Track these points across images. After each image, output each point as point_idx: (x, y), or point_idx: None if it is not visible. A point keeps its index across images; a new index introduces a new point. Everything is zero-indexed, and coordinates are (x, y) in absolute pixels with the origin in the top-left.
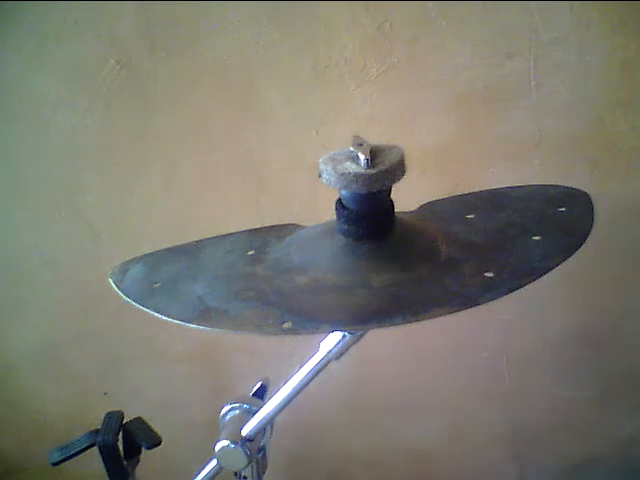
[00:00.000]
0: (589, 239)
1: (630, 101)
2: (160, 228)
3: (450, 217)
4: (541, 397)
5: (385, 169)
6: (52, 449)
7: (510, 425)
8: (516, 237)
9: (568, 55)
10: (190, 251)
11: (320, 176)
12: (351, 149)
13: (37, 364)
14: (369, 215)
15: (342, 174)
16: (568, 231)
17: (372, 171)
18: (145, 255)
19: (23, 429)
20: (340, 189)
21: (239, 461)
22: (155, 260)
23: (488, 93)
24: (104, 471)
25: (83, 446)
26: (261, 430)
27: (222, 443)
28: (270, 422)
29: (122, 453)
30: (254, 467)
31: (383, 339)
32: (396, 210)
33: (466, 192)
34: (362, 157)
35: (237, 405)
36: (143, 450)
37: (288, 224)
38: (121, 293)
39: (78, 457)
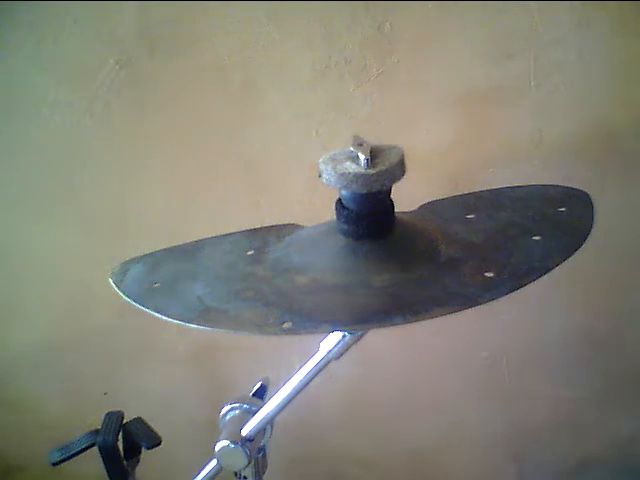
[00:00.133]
0: (589, 239)
1: (630, 101)
2: (160, 228)
3: (450, 217)
4: (541, 397)
5: (385, 169)
6: (52, 449)
7: (510, 425)
8: (516, 237)
9: (568, 55)
10: (190, 251)
11: (320, 176)
12: (351, 149)
13: (37, 364)
14: (369, 215)
15: (342, 174)
16: (568, 231)
17: (372, 171)
18: (145, 255)
19: (23, 429)
20: (340, 189)
21: (239, 461)
22: (155, 260)
23: (488, 93)
24: (104, 471)
25: (83, 446)
26: (261, 430)
27: (222, 443)
28: (270, 422)
29: (122, 453)
30: (254, 467)
31: (383, 339)
32: (396, 210)
33: (466, 192)
34: (362, 157)
35: (237, 405)
36: (143, 450)
37: (288, 224)
38: (121, 293)
39: (78, 457)
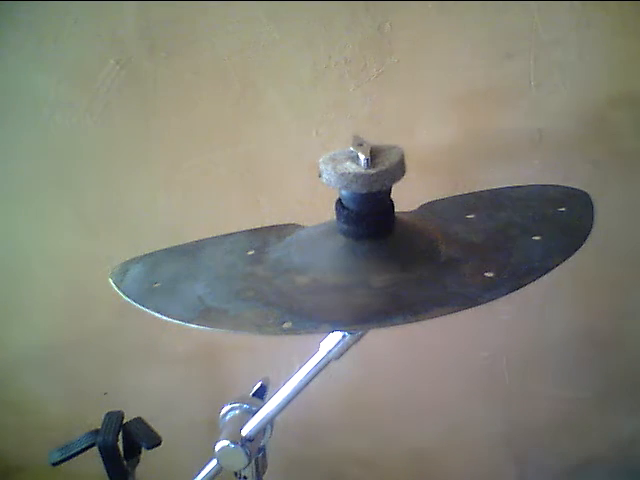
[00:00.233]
0: (589, 239)
1: (630, 101)
2: (160, 228)
3: (450, 217)
4: (541, 397)
5: (385, 169)
6: (52, 449)
7: (510, 425)
8: (516, 237)
9: (568, 55)
10: (190, 251)
11: (320, 176)
12: (351, 149)
13: (37, 364)
14: (369, 215)
15: (342, 174)
16: (568, 231)
17: (372, 171)
18: (145, 255)
19: (23, 429)
20: (340, 189)
21: (239, 461)
22: (155, 260)
23: (488, 93)
24: (104, 471)
25: (83, 446)
26: (261, 430)
27: (222, 443)
28: (270, 422)
29: (122, 453)
30: (254, 467)
31: (383, 339)
32: (396, 210)
33: (466, 192)
34: (362, 157)
35: (237, 405)
36: (143, 450)
37: (288, 224)
38: (121, 293)
39: (78, 457)
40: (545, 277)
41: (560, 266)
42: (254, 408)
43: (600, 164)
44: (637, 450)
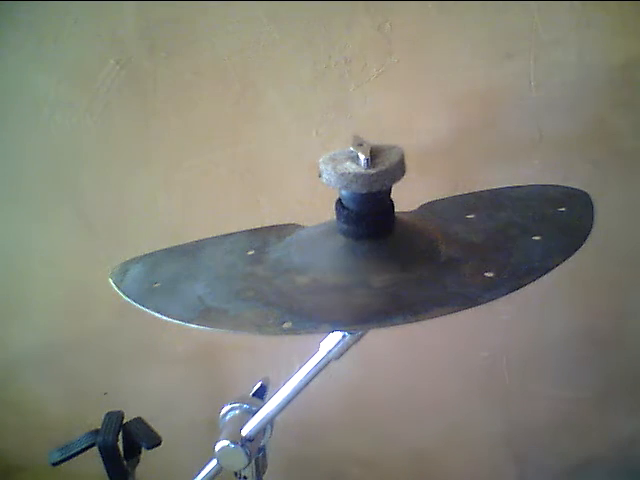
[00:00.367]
0: (589, 239)
1: (630, 101)
2: (160, 228)
3: (450, 217)
4: (541, 397)
5: (385, 169)
6: (52, 449)
7: (510, 425)
8: (516, 237)
9: (568, 55)
10: (190, 251)
11: (320, 176)
12: (351, 149)
13: (37, 364)
14: (369, 215)
15: (342, 174)
16: (568, 231)
17: (372, 171)
18: (145, 255)
19: (23, 429)
20: (340, 189)
21: (239, 461)
22: (155, 260)
23: (488, 93)
24: (104, 471)
25: (83, 446)
26: (261, 430)
27: (222, 443)
28: (270, 422)
29: (122, 453)
30: (254, 467)
31: (383, 339)
32: (396, 210)
33: (466, 192)
34: (362, 157)
35: (237, 405)
36: (143, 450)
37: (288, 224)
38: (121, 293)
39: (78, 457)
40: (545, 277)
41: (560, 266)
42: (254, 408)
43: (600, 164)
44: (637, 450)
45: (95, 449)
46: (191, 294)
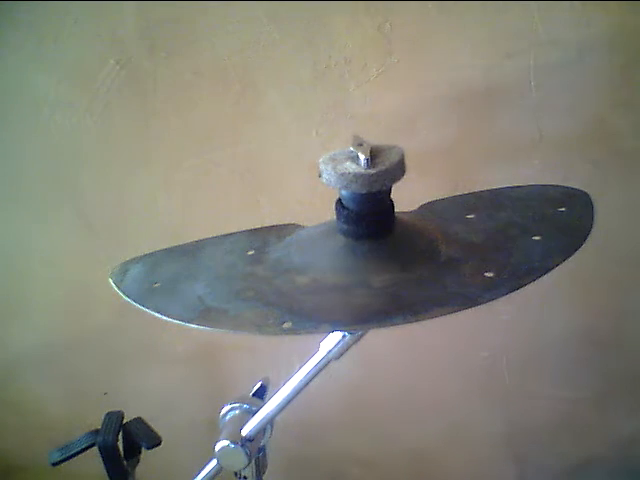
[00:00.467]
0: (589, 239)
1: (630, 101)
2: (160, 228)
3: (450, 217)
4: (541, 397)
5: (385, 169)
6: (52, 449)
7: (510, 425)
8: (516, 237)
9: (568, 55)
10: (190, 251)
11: (320, 176)
12: (351, 149)
13: (37, 364)
14: (369, 215)
15: (342, 174)
16: (568, 231)
17: (372, 171)
18: (145, 255)
19: (23, 429)
20: (340, 189)
21: (239, 461)
22: (155, 260)
23: (488, 93)
24: (104, 471)
25: (83, 446)
26: (261, 430)
27: (222, 443)
28: (270, 422)
29: (122, 453)
30: (254, 467)
31: (383, 339)
32: (396, 210)
33: (466, 192)
34: (362, 157)
35: (237, 405)
36: (143, 450)
37: (288, 224)
38: (121, 293)
39: (78, 457)
40: (545, 277)
41: (560, 266)
42: (254, 408)
43: (600, 164)
44: (637, 450)
45: (95, 449)
46: (191, 294)
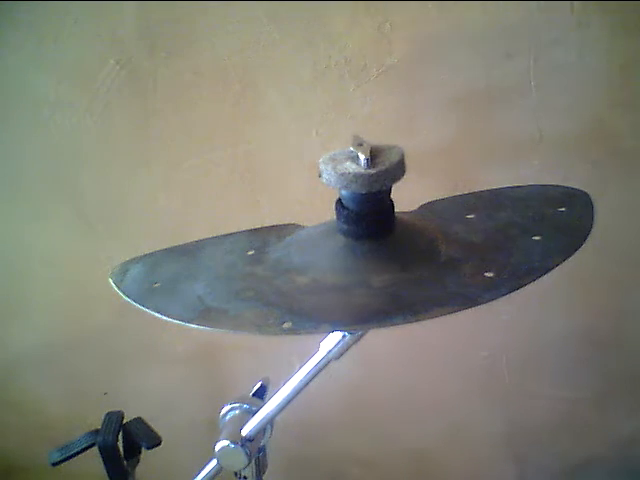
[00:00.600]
0: (589, 239)
1: (630, 101)
2: (160, 228)
3: (450, 217)
4: (541, 397)
5: (385, 169)
6: (52, 449)
7: (510, 425)
8: (516, 237)
9: (568, 55)
10: (190, 251)
11: (320, 176)
12: (351, 149)
13: (37, 364)
14: (369, 215)
15: (342, 174)
16: (568, 231)
17: (372, 171)
18: (145, 255)
19: (23, 429)
20: (340, 189)
21: (239, 461)
22: (155, 260)
23: (488, 93)
24: (104, 471)
25: (83, 446)
26: (261, 430)
27: (222, 443)
28: (270, 422)
29: (122, 453)
30: (254, 467)
31: (383, 339)
32: (396, 210)
33: (466, 192)
34: (362, 157)
35: (237, 405)
36: (143, 450)
37: (288, 224)
38: (121, 293)
39: (78, 457)
40: (545, 277)
41: (560, 266)
42: (254, 408)
43: (600, 164)
44: (637, 450)
45: (95, 449)
46: (191, 294)
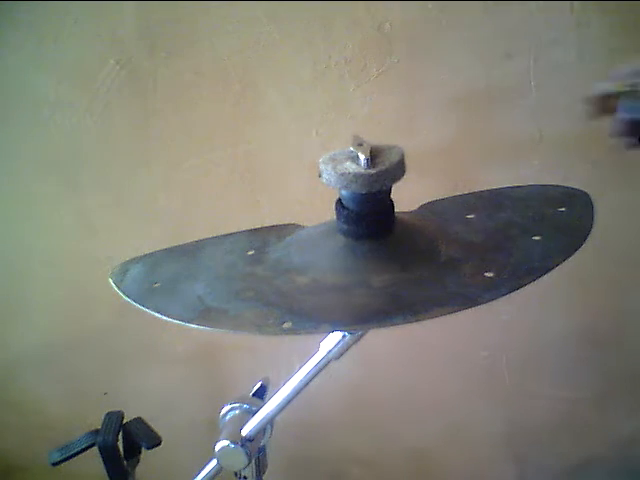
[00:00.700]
0: (589, 239)
1: None
2: (160, 228)
3: (450, 217)
4: (541, 397)
5: (385, 169)
6: (52, 449)
7: (510, 425)
8: (516, 237)
9: (568, 55)
10: (190, 251)
11: (320, 176)
12: (351, 149)
13: (38, 364)
14: (369, 215)
15: (342, 174)
16: (568, 231)
17: (372, 171)
18: (145, 255)
19: (23, 429)
20: (340, 189)
21: (239, 461)
22: (155, 260)
23: (488, 93)
24: (104, 471)
25: (83, 446)
26: (261, 430)
27: (222, 443)
28: (270, 422)
29: (122, 453)
30: (254, 467)
31: (383, 339)
32: (396, 210)
33: (466, 192)
34: (362, 157)
35: (237, 405)
36: (143, 450)
37: (288, 224)
38: (121, 293)
39: (78, 457)
40: (545, 277)
41: (560, 266)
42: (254, 408)
43: (600, 164)
44: (637, 450)
45: (95, 449)
46: (191, 294)
